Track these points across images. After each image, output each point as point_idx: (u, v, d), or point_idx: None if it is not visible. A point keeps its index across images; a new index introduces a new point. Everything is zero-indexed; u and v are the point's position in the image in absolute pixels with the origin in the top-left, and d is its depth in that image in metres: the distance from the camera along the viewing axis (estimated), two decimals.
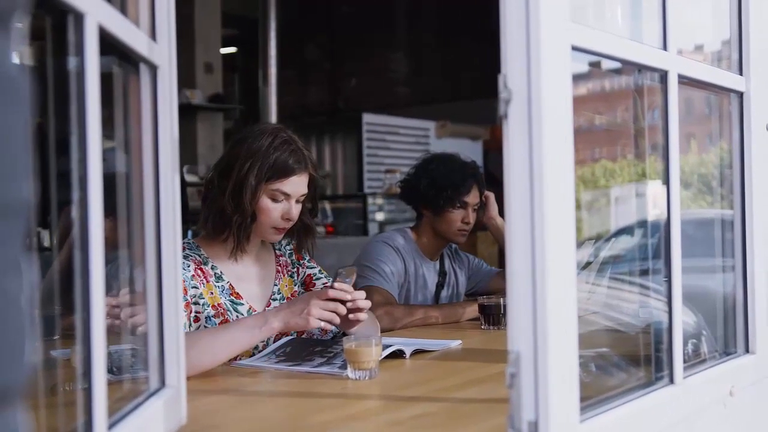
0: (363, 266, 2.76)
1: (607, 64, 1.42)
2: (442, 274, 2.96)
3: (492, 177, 3.19)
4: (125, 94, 1.25)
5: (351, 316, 1.92)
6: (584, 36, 1.19)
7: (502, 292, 2.59)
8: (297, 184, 2.05)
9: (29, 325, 0.66)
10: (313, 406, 1.58)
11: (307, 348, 1.99)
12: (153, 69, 1.26)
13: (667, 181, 1.43)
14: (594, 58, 1.30)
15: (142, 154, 1.26)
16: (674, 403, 1.41)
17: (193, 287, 2.01)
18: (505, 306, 2.47)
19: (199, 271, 2.04)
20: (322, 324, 1.88)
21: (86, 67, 0.94)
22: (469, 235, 2.94)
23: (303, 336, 2.14)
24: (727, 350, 1.72)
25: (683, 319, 1.44)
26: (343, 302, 1.88)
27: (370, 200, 7.76)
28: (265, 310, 2.08)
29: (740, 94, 1.70)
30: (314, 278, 2.25)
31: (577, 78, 1.17)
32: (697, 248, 1.75)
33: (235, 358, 2.00)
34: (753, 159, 1.70)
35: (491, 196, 2.95)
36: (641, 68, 1.47)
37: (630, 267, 1.85)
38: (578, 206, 1.21)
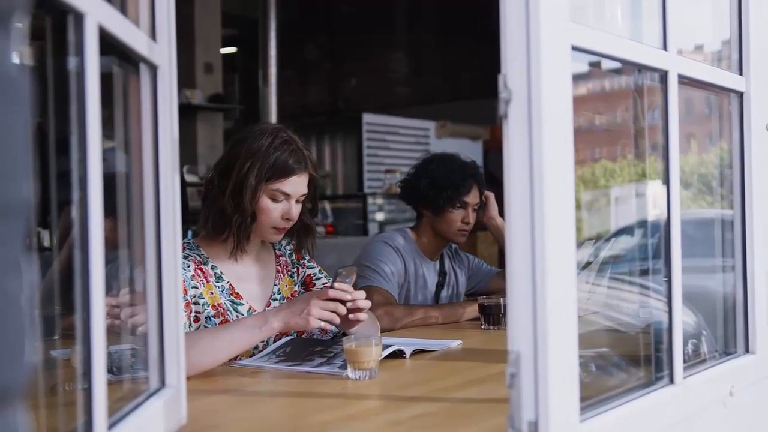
0: (363, 266, 2.76)
1: (607, 64, 1.42)
2: (442, 274, 2.96)
3: (492, 177, 3.19)
4: (125, 94, 1.25)
5: (351, 316, 1.91)
6: (584, 36, 1.19)
7: (502, 292, 2.59)
8: (297, 184, 2.05)
9: (29, 325, 0.66)
10: (313, 406, 1.58)
11: (307, 348, 1.99)
12: (153, 69, 1.26)
13: (667, 181, 1.43)
14: (594, 58, 1.30)
15: (142, 154, 1.26)
16: (674, 403, 1.41)
17: (193, 287, 2.01)
18: (505, 306, 2.47)
19: (199, 271, 2.04)
20: (322, 324, 1.88)
21: (86, 67, 0.94)
22: (469, 235, 2.94)
23: (303, 336, 2.14)
24: (727, 350, 1.72)
25: (683, 319, 1.44)
26: (343, 302, 1.88)
27: (370, 200, 7.76)
28: (265, 310, 2.08)
29: (740, 94, 1.70)
30: (314, 278, 2.25)
31: (577, 78, 1.17)
32: (697, 248, 1.75)
33: (235, 358, 2.00)
34: (753, 159, 1.70)
35: (491, 196, 2.95)
36: (641, 68, 1.47)
37: (630, 267, 1.85)
38: (578, 206, 1.21)
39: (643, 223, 1.66)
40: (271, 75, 7.16)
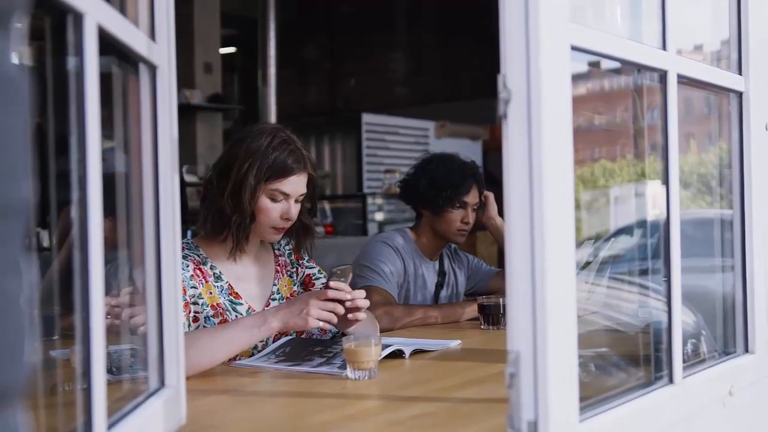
0: (362, 266, 2.77)
1: (606, 64, 1.42)
2: (441, 274, 2.96)
3: (491, 177, 3.20)
4: (124, 94, 1.25)
5: (350, 315, 1.92)
6: (584, 36, 1.19)
7: (501, 291, 2.60)
8: (296, 184, 2.05)
9: (29, 325, 0.66)
10: (313, 406, 1.58)
11: (306, 348, 1.99)
12: (152, 69, 1.26)
13: (666, 181, 1.43)
14: (593, 58, 1.30)
15: (142, 154, 1.26)
16: (674, 403, 1.41)
17: (191, 287, 2.01)
18: (504, 306, 2.47)
19: (197, 271, 2.04)
20: (321, 324, 1.88)
21: (85, 67, 0.94)
22: (469, 235, 2.94)
23: (302, 336, 2.14)
24: (726, 350, 1.72)
25: (683, 318, 1.44)
26: (342, 302, 1.88)
27: (369, 200, 7.76)
28: (264, 310, 2.08)
29: (739, 94, 1.70)
30: (313, 278, 2.25)
31: (577, 78, 1.17)
32: (697, 248, 1.75)
33: (234, 358, 2.00)
34: (752, 159, 1.70)
35: (491, 196, 2.95)
36: (640, 68, 1.47)
37: (629, 267, 1.85)
38: (578, 206, 1.21)
39: (642, 223, 1.66)
40: (271, 75, 7.16)
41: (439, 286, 2.95)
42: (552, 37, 1.09)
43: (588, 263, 1.87)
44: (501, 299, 2.50)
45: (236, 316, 2.05)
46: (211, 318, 2.02)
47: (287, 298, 2.18)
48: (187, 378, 1.41)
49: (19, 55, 0.72)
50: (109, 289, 1.16)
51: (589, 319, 1.62)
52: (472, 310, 2.67)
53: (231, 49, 9.45)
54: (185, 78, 7.08)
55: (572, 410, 1.12)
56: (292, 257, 2.25)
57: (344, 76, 9.96)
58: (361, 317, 1.94)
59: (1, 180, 0.64)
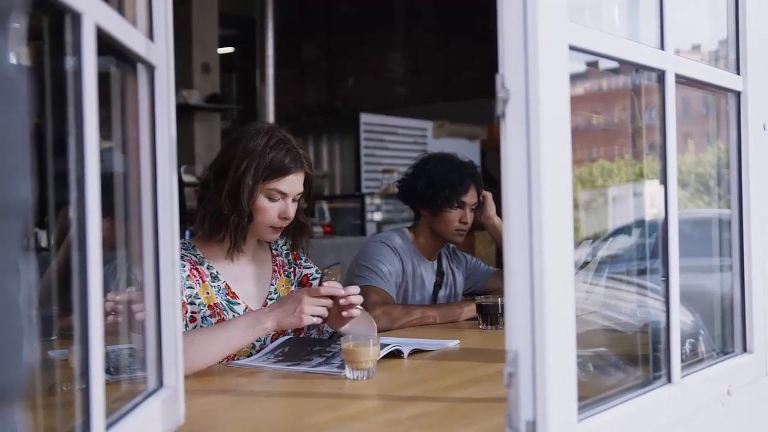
0: (361, 266, 2.77)
1: (604, 64, 1.42)
2: (439, 273, 2.96)
3: (490, 177, 3.20)
4: (123, 94, 1.25)
5: (344, 313, 1.92)
6: (582, 36, 1.19)
7: (499, 291, 2.60)
8: (293, 183, 2.06)
9: (27, 325, 0.66)
10: (311, 406, 1.58)
11: (305, 348, 1.99)
12: (150, 69, 1.26)
13: (664, 181, 1.43)
14: (591, 58, 1.30)
15: (140, 155, 1.26)
16: (672, 403, 1.41)
17: (188, 287, 2.01)
18: (502, 306, 2.46)
19: (194, 271, 2.04)
20: (315, 320, 1.88)
21: (83, 67, 0.94)
22: (467, 234, 2.94)
23: (301, 335, 2.15)
24: (724, 349, 1.72)
25: (681, 318, 1.44)
26: (336, 300, 1.89)
27: (367, 200, 7.75)
28: (260, 309, 2.08)
29: (737, 94, 1.70)
30: (311, 278, 2.25)
31: (575, 78, 1.17)
32: (695, 248, 1.75)
33: (233, 358, 2.00)
34: (750, 158, 1.70)
35: (489, 195, 2.95)
36: (638, 68, 1.47)
37: (628, 266, 1.85)
38: (576, 206, 1.21)
39: (640, 223, 1.67)
40: (269, 75, 7.16)
41: (438, 285, 2.95)
42: (550, 36, 1.09)
43: (586, 263, 1.87)
44: (499, 299, 2.50)
45: (233, 315, 2.05)
46: (208, 318, 2.02)
47: None
48: (185, 378, 1.41)
49: (17, 55, 0.72)
50: (108, 289, 1.16)
51: (588, 318, 1.62)
52: (470, 309, 2.67)
53: (229, 49, 9.44)
54: (183, 78, 7.07)
55: (571, 410, 1.12)
56: (290, 257, 2.26)
57: (343, 75, 9.95)
58: (355, 314, 1.95)
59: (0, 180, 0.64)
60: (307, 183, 2.11)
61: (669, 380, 1.41)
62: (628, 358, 1.58)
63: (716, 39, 1.81)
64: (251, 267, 2.16)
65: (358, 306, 1.96)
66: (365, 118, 8.85)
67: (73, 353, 1.06)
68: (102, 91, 0.98)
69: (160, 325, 1.28)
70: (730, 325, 1.72)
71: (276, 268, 2.21)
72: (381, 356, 1.85)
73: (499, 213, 2.90)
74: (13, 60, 0.68)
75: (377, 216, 7.70)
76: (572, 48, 1.15)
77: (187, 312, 1.99)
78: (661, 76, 1.43)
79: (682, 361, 1.45)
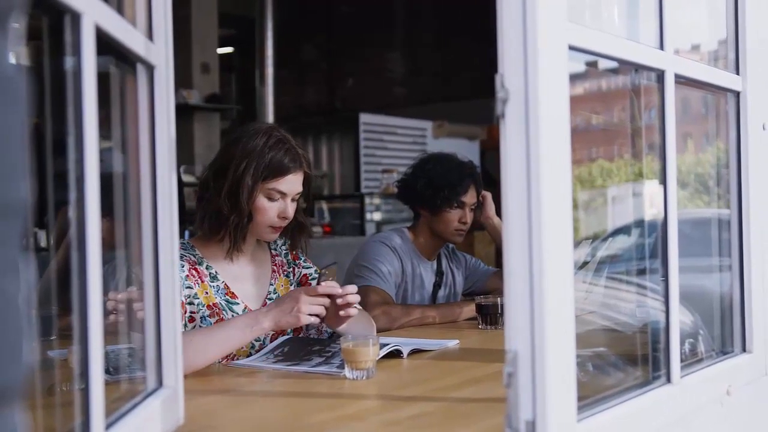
0: (360, 266, 2.77)
1: (604, 64, 1.42)
2: (439, 273, 2.96)
3: (489, 177, 3.20)
4: (122, 94, 1.25)
5: (342, 312, 1.92)
6: (581, 35, 1.19)
7: (499, 291, 2.60)
8: (293, 183, 2.06)
9: (27, 325, 0.66)
10: (311, 406, 1.58)
11: (305, 347, 1.99)
12: (150, 69, 1.26)
13: (664, 181, 1.43)
14: (591, 58, 1.30)
15: (139, 155, 1.26)
16: (671, 403, 1.41)
17: (187, 287, 2.01)
18: (502, 305, 2.47)
19: (193, 271, 2.05)
20: (313, 319, 1.88)
21: (83, 67, 0.94)
22: (467, 234, 2.94)
23: (300, 335, 2.15)
24: (723, 349, 1.72)
25: (680, 318, 1.44)
26: (333, 299, 1.89)
27: (367, 200, 7.75)
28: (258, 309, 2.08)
29: (737, 94, 1.70)
30: (310, 278, 2.25)
31: (574, 77, 1.17)
32: (694, 248, 1.75)
33: (233, 358, 2.00)
34: (750, 158, 1.70)
35: (488, 195, 2.95)
36: (638, 68, 1.47)
37: (627, 266, 1.85)
38: (575, 206, 1.21)
39: (640, 223, 1.67)
40: (268, 75, 7.16)
41: (437, 285, 2.95)
42: (550, 36, 1.09)
43: (586, 263, 1.87)
44: (499, 299, 2.50)
45: (232, 315, 2.05)
46: (207, 318, 2.02)
47: None
48: (185, 378, 1.41)
49: (17, 55, 0.72)
50: (107, 289, 1.16)
51: (587, 318, 1.62)
52: (469, 309, 2.67)
53: (229, 49, 9.44)
54: (183, 78, 7.07)
55: (570, 410, 1.12)
56: (289, 257, 2.26)
57: (342, 76, 9.95)
58: (353, 313, 1.95)
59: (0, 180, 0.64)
60: (306, 183, 2.11)
61: (668, 380, 1.41)
62: (627, 358, 1.58)
63: (716, 39, 1.81)
64: (250, 267, 2.16)
65: (356, 305, 1.96)
66: (365, 118, 8.85)
67: (72, 353, 1.06)
68: (101, 91, 0.98)
69: (160, 325, 1.28)
70: (730, 325, 1.72)
71: (275, 268, 2.21)
72: (380, 356, 1.85)
73: (498, 213, 2.90)
74: (12, 60, 0.68)
75: (376, 216, 7.70)
76: (572, 48, 1.15)
77: (186, 312, 1.99)
78: (660, 76, 1.43)
79: (682, 361, 1.45)
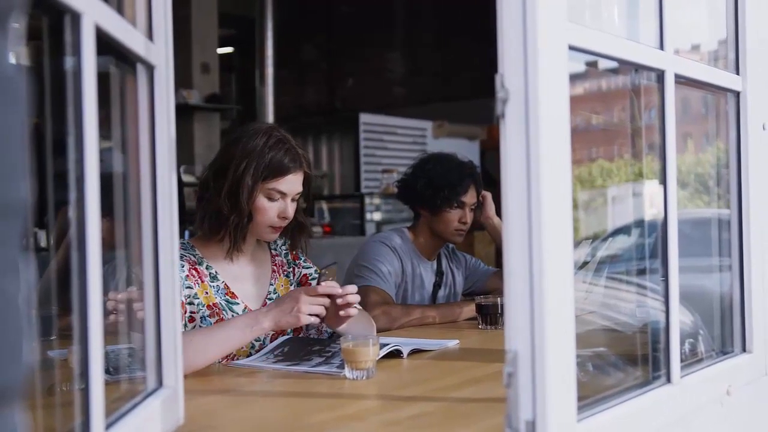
0: (360, 266, 2.77)
1: (604, 64, 1.42)
2: (439, 273, 2.96)
3: (489, 177, 3.20)
4: (122, 94, 1.25)
5: (342, 312, 1.92)
6: (581, 35, 1.19)
7: (499, 291, 2.60)
8: (293, 183, 2.06)
9: (27, 325, 0.66)
10: (311, 406, 1.58)
11: (305, 347, 1.99)
12: (150, 69, 1.26)
13: (664, 181, 1.43)
14: (591, 58, 1.30)
15: (139, 155, 1.26)
16: (671, 403, 1.41)
17: (187, 287, 2.01)
18: (502, 305, 2.47)
19: (193, 271, 2.05)
20: (313, 319, 1.88)
21: (83, 67, 0.94)
22: (467, 234, 2.94)
23: (300, 335, 2.15)
24: (724, 349, 1.72)
25: (680, 318, 1.44)
26: (333, 299, 1.89)
27: (367, 200, 7.75)
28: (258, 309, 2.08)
29: (737, 94, 1.70)
30: (310, 278, 2.25)
31: (574, 77, 1.17)
32: (694, 248, 1.75)
33: (233, 358, 2.00)
34: (750, 158, 1.70)
35: (488, 195, 2.95)
36: (638, 68, 1.47)
37: (627, 266, 1.85)
38: (575, 206, 1.21)
39: (640, 223, 1.67)
40: (268, 75, 7.16)
41: (437, 285, 2.95)
42: (550, 36, 1.09)
43: (586, 263, 1.87)
44: (499, 299, 2.50)
45: (232, 315, 2.05)
46: (207, 318, 2.02)
47: None
48: (185, 378, 1.41)
49: (17, 55, 0.72)
50: (107, 289, 1.16)
51: (587, 318, 1.62)
52: (469, 309, 2.67)
53: (228, 49, 9.44)
54: (183, 78, 7.07)
55: (570, 410, 1.12)
56: (289, 257, 2.26)
57: (342, 76, 9.95)
58: (353, 313, 1.95)
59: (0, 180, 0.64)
60: (306, 183, 2.11)
61: (668, 380, 1.41)
62: (627, 358, 1.58)
63: (716, 39, 1.81)
64: (250, 267, 2.16)
65: (356, 305, 1.96)
66: (365, 118, 8.85)
67: (72, 353, 1.06)
68: (101, 91, 0.98)
69: (160, 325, 1.28)
70: (730, 325, 1.72)
71: (275, 268, 2.21)
72: (380, 356, 1.85)
73: (498, 213, 2.90)
74: (12, 60, 0.68)
75: (376, 216, 7.70)
76: (572, 48, 1.15)
77: (186, 312, 1.99)
78: (660, 76, 1.43)
79: (682, 361, 1.45)
